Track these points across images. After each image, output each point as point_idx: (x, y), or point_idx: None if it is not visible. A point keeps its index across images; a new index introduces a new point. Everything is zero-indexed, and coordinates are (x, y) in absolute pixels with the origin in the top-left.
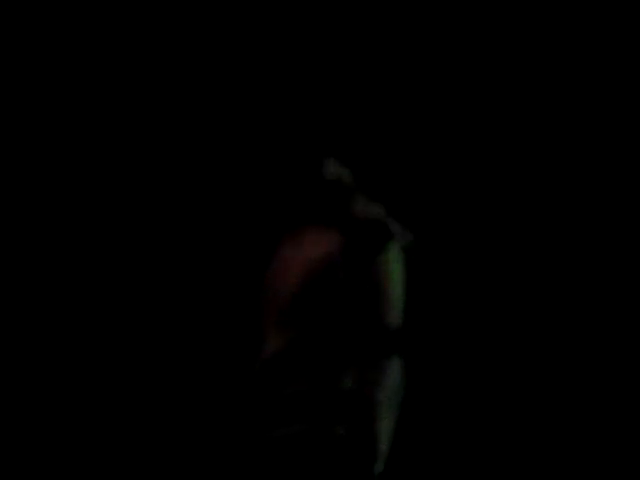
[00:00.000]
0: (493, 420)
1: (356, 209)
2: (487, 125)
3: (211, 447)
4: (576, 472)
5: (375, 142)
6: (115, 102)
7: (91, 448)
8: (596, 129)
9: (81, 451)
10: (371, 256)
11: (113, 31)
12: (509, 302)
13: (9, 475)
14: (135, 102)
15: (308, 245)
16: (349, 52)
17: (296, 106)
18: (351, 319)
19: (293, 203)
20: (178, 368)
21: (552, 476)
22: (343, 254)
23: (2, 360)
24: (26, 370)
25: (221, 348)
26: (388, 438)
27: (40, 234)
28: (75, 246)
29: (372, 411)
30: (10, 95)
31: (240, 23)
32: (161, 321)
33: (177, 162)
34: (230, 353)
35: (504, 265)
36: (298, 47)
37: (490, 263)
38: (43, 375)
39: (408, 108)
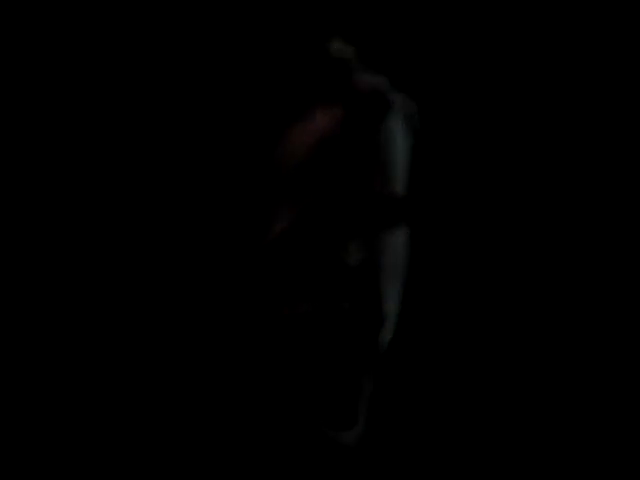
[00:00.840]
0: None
1: (358, 83)
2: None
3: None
4: (576, 472)
5: (378, 20)
6: (115, 102)
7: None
8: (596, 129)
9: (81, 451)
10: (370, 125)
11: (113, 31)
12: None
13: (9, 475)
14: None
15: (312, 122)
16: None
17: None
18: (355, 189)
19: (297, 81)
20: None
21: (552, 476)
22: (343, 125)
23: (2, 360)
24: (26, 370)
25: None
26: (395, 304)
27: (40, 234)
28: (75, 246)
29: (377, 282)
30: (10, 95)
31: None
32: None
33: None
34: (237, 234)
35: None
36: None
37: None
38: (43, 375)
39: None
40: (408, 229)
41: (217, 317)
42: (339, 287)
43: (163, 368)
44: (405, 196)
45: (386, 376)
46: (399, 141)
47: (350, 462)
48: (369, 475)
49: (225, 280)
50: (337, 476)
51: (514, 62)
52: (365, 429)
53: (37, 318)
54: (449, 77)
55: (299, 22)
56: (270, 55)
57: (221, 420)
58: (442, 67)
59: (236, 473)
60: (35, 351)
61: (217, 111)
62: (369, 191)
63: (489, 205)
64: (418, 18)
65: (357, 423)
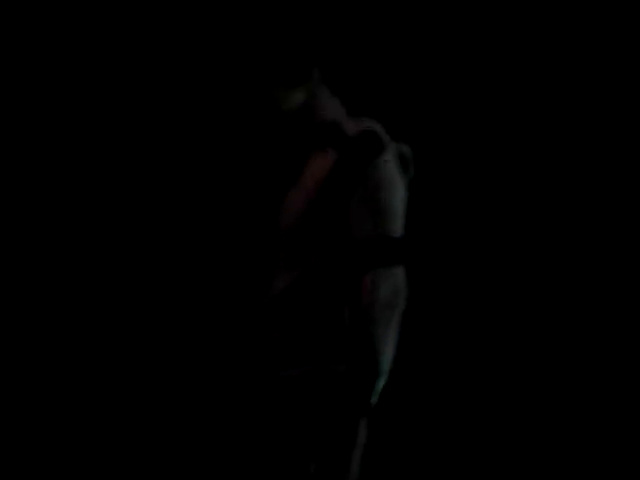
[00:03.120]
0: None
1: (348, 127)
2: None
3: (215, 387)
4: (576, 472)
5: (366, 64)
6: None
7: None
8: (596, 129)
9: (81, 450)
10: (362, 167)
11: (113, 31)
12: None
13: (9, 475)
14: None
15: (308, 172)
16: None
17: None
18: (351, 230)
19: (290, 132)
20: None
21: (552, 476)
22: (335, 168)
23: (2, 360)
24: (26, 370)
25: (229, 288)
26: (389, 351)
27: (40, 234)
28: (75, 246)
29: (371, 335)
30: (10, 95)
31: None
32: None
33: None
34: (239, 292)
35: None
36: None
37: (484, 185)
38: (43, 375)
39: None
40: (404, 269)
41: (216, 375)
42: (335, 349)
43: (164, 427)
44: (400, 236)
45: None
46: (393, 182)
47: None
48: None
49: (225, 338)
50: None
51: (503, 112)
52: (361, 476)
53: (37, 318)
54: (443, 120)
55: (294, 71)
56: (263, 105)
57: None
58: (436, 111)
59: None
60: (35, 351)
61: (216, 164)
62: (364, 234)
63: (484, 246)
64: (412, 65)
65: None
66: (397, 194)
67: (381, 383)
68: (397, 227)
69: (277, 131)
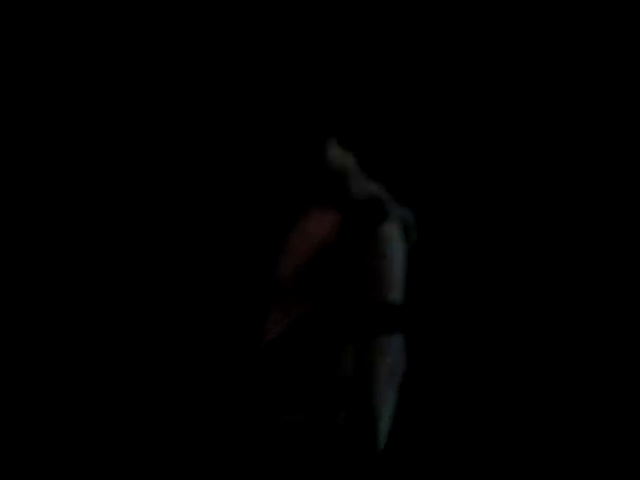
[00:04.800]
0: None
1: (355, 189)
2: (488, 116)
3: (213, 435)
4: (576, 472)
5: (378, 126)
6: (115, 102)
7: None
8: (596, 129)
9: (81, 451)
10: (366, 234)
11: (113, 31)
12: (509, 294)
13: (9, 475)
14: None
15: (310, 228)
16: (350, 42)
17: (298, 92)
18: (351, 297)
19: (297, 187)
20: (181, 350)
21: (552, 476)
22: (339, 233)
23: (2, 360)
24: (26, 370)
25: (225, 329)
26: (388, 417)
27: (40, 234)
28: (75, 246)
29: (371, 390)
30: (10, 95)
31: (237, 20)
32: (164, 305)
33: (180, 149)
34: (235, 335)
35: (503, 255)
36: (298, 40)
37: (490, 250)
38: (43, 375)
39: (412, 94)
40: (403, 336)
41: (215, 419)
42: (333, 396)
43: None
44: (400, 304)
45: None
46: (395, 249)
47: None
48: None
49: (222, 384)
50: None
51: (509, 180)
52: None
53: (37, 318)
54: (447, 189)
55: (300, 126)
56: (270, 158)
57: None
58: (441, 179)
59: None
60: (35, 351)
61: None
62: (364, 298)
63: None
64: (419, 129)
65: None
66: (398, 261)
67: (382, 434)
68: (398, 294)
69: (284, 177)
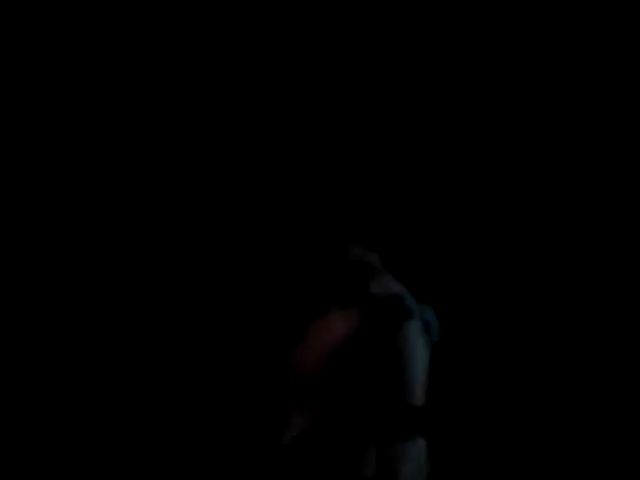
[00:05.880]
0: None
1: (376, 288)
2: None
3: None
4: (576, 472)
5: (400, 226)
6: (115, 103)
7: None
8: (596, 129)
9: (81, 451)
10: (387, 333)
11: (113, 31)
12: (528, 372)
13: (9, 475)
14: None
15: (331, 325)
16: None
17: (320, 184)
18: (372, 398)
19: (319, 284)
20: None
21: (552, 476)
22: (360, 333)
23: (2, 360)
24: (26, 370)
25: (245, 419)
26: None
27: (40, 234)
28: (75, 246)
29: None
30: (10, 95)
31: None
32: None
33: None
34: (252, 422)
35: (523, 342)
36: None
37: (513, 345)
38: (44, 375)
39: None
40: (425, 440)
41: None
42: None
43: None
44: (422, 407)
45: None
46: (417, 350)
47: None
48: None
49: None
50: None
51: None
52: None
53: (38, 319)
54: (471, 285)
55: (323, 225)
56: (293, 256)
57: None
58: (464, 276)
59: None
60: (35, 351)
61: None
62: (385, 401)
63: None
64: (443, 226)
65: None
66: (420, 361)
67: None
68: (419, 395)
69: (307, 275)
